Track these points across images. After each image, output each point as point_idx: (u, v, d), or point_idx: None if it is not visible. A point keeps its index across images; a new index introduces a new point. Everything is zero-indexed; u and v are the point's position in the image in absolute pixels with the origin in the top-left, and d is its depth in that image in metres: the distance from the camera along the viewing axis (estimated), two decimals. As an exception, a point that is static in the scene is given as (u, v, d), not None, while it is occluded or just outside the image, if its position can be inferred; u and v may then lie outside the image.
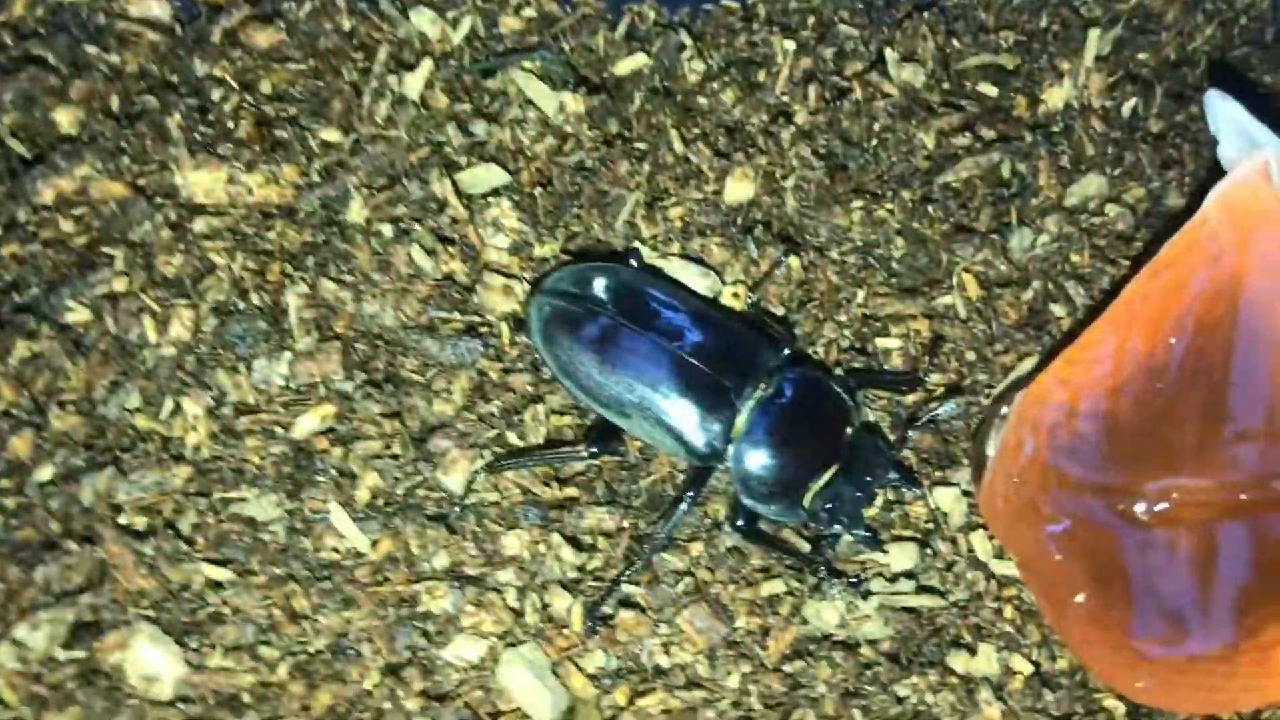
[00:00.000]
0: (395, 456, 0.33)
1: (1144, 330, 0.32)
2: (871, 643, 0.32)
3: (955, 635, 0.32)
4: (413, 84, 0.36)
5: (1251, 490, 0.31)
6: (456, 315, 0.34)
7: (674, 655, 0.31)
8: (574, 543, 0.33)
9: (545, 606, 0.32)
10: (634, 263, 0.34)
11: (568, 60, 0.37)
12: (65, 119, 0.33)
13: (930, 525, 0.34)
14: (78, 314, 0.32)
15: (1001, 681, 0.32)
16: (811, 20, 0.36)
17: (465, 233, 0.34)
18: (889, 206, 0.36)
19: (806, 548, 0.33)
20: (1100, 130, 0.37)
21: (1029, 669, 0.32)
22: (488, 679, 0.31)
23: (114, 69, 0.34)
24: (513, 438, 0.33)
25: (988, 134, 0.37)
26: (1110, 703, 0.32)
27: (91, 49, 0.34)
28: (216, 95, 0.34)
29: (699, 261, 0.35)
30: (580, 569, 0.32)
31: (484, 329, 0.34)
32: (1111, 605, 0.32)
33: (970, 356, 0.35)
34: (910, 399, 0.35)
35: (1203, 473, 0.31)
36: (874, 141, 0.36)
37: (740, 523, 0.33)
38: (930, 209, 0.36)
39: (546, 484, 0.33)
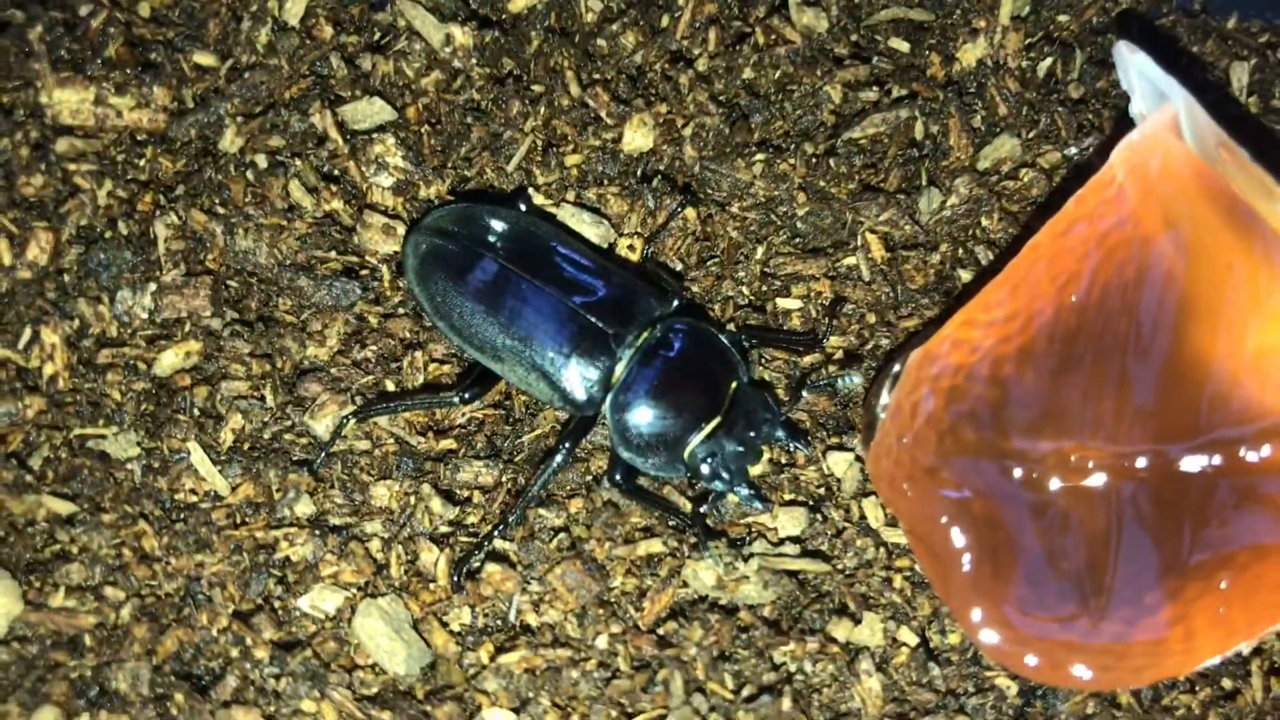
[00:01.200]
0: (262, 399, 0.31)
1: (1047, 292, 0.31)
2: (750, 607, 0.30)
3: (840, 603, 0.30)
4: (294, 10, 0.34)
5: (1150, 458, 0.30)
6: (334, 255, 0.33)
7: (543, 613, 0.30)
8: (447, 496, 0.31)
9: (412, 560, 0.30)
10: (523, 206, 0.33)
11: None
12: None
13: (822, 490, 0.32)
14: None
15: (886, 653, 0.30)
16: None
17: (347, 169, 0.33)
18: (792, 161, 0.35)
19: (689, 507, 0.32)
20: (1015, 91, 0.36)
21: (915, 641, 0.30)
22: (344, 631, 0.29)
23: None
24: (390, 385, 0.32)
25: (898, 90, 0.36)
26: (1002, 681, 0.30)
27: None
28: (85, 10, 0.32)
29: (594, 210, 0.34)
30: (452, 523, 0.31)
31: (364, 271, 0.32)
32: (1001, 577, 0.31)
33: (872, 320, 0.34)
34: (807, 360, 0.34)
35: (1102, 439, 0.30)
36: (778, 93, 0.35)
37: (618, 477, 0.31)
38: (835, 165, 0.35)
39: (423, 434, 0.32)
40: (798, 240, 0.34)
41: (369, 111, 0.33)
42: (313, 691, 0.28)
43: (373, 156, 0.33)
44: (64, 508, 0.30)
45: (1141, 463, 0.29)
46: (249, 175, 0.33)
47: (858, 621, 0.30)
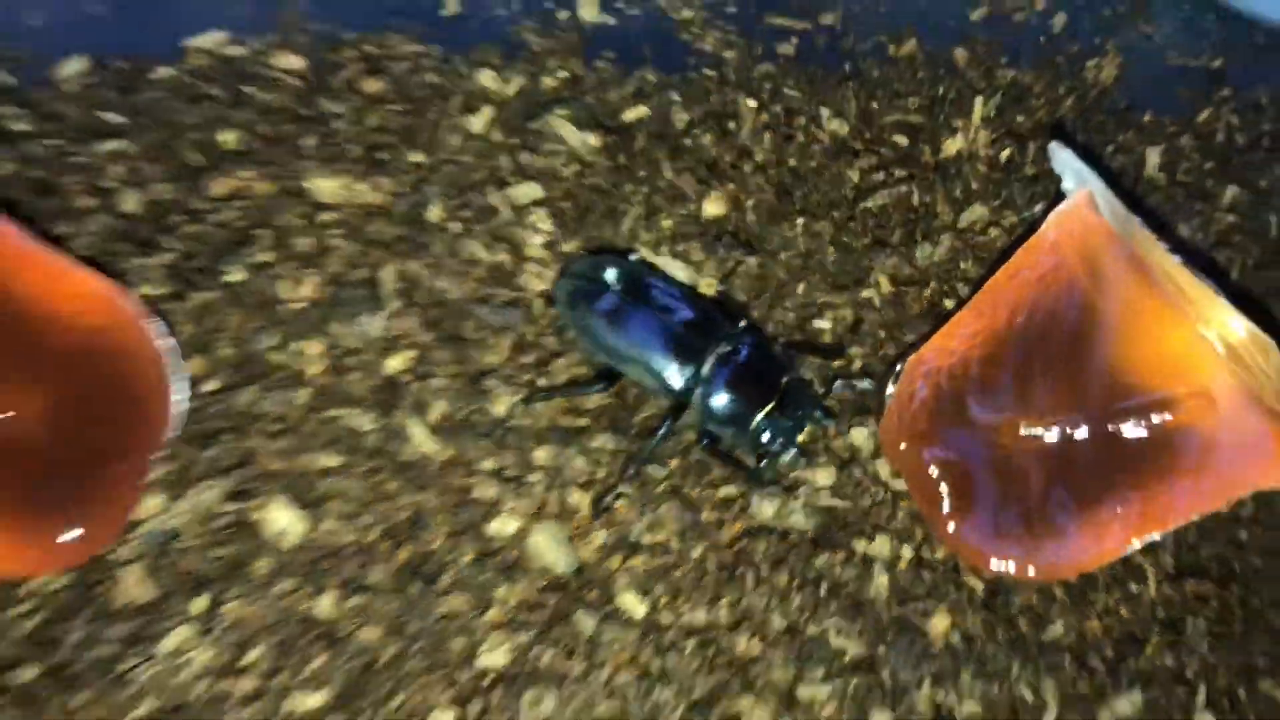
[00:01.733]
0: (457, 391, 0.44)
1: (1002, 315, 0.43)
2: (798, 531, 0.42)
3: (860, 529, 0.42)
4: (478, 124, 0.47)
5: (1071, 425, 0.42)
6: (504, 291, 0.45)
7: (654, 535, 0.42)
8: (586, 455, 0.43)
9: (564, 500, 0.42)
10: (633, 258, 0.45)
11: (590, 109, 0.48)
12: (230, 138, 0.45)
13: (846, 454, 0.44)
14: (235, 276, 0.43)
15: (891, 562, 0.42)
16: (768, 86, 0.48)
17: (512, 232, 0.45)
18: (823, 223, 0.47)
19: (754, 464, 0.44)
20: (984, 172, 0.48)
21: (911, 555, 0.42)
22: (522, 545, 0.41)
23: (264, 104, 0.46)
24: (543, 381, 0.44)
25: (899, 172, 0.48)
26: (973, 582, 0.42)
27: (248, 89, 0.46)
28: (337, 125, 0.45)
29: (683, 259, 0.46)
30: (590, 475, 0.43)
31: (523, 302, 0.45)
32: (971, 510, 0.42)
33: (882, 335, 0.46)
34: (836, 364, 0.46)
35: (1037, 414, 0.42)
36: (813, 175, 0.48)
37: (704, 444, 0.43)
38: (855, 226, 0.47)
39: (567, 415, 0.44)
40: (829, 279, 0.46)
41: (527, 192, 0.46)
42: (505, 582, 0.40)
43: (529, 223, 0.46)
44: (332, 461, 0.42)
45: (1066, 430, 0.41)
46: (446, 237, 0.45)
47: (872, 541, 0.42)
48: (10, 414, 0.35)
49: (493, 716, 0.37)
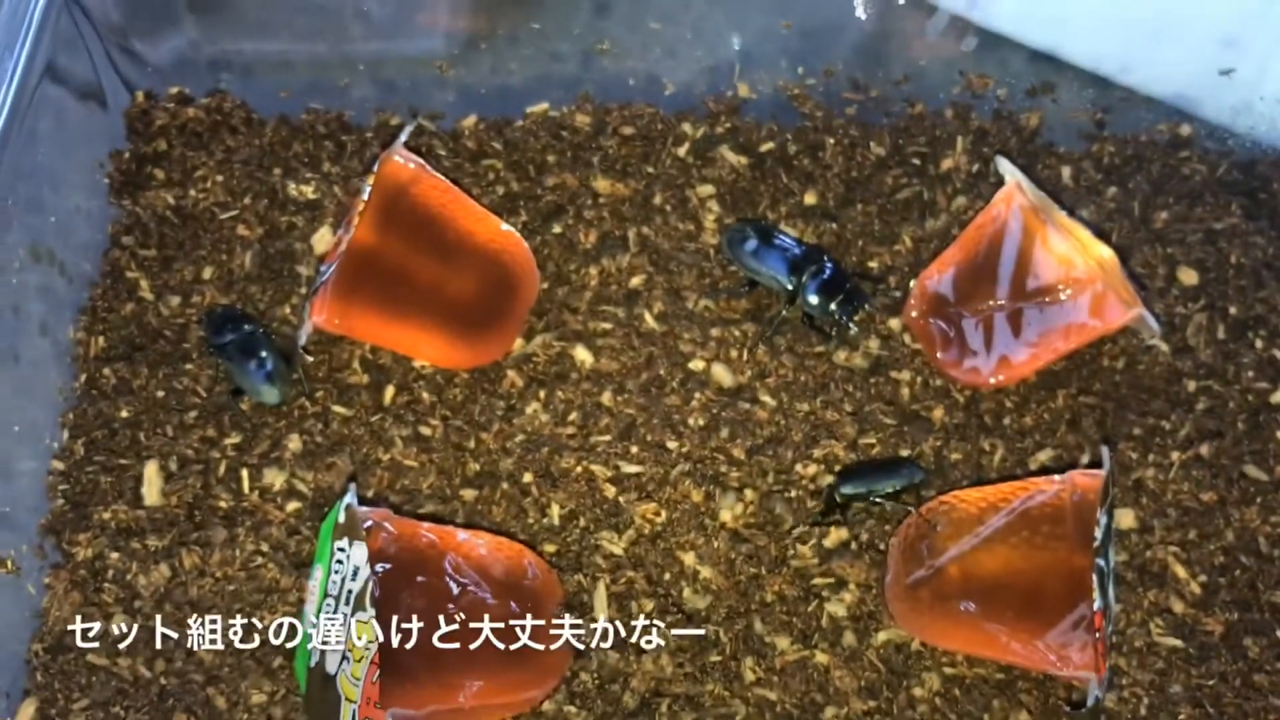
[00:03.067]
0: (668, 296, 0.75)
1: (968, 248, 0.74)
2: (859, 368, 0.71)
3: (892, 368, 0.72)
4: (681, 152, 0.79)
5: (1010, 303, 0.72)
6: (692, 244, 0.77)
7: (778, 371, 0.72)
8: (740, 330, 0.74)
9: (728, 353, 0.72)
10: (764, 223, 0.77)
11: (741, 144, 0.81)
12: (552, 159, 0.78)
13: (885, 331, 0.74)
14: (556, 229, 0.76)
15: (911, 383, 0.72)
16: (840, 130, 0.80)
17: (698, 212, 0.76)
18: (872, 207, 0.77)
19: (832, 332, 0.74)
20: (965, 177, 0.78)
21: (923, 379, 0.71)
22: (708, 373, 0.71)
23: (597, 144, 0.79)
24: (716, 290, 0.76)
25: (915, 180, 0.78)
26: (956, 392, 0.72)
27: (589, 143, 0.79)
28: (609, 146, 0.79)
29: (791, 225, 0.78)
30: (741, 341, 0.72)
31: (704, 249, 0.76)
32: (955, 351, 0.72)
33: (905, 269, 0.76)
34: (879, 285, 0.75)
35: (990, 299, 0.73)
36: (865, 180, 0.78)
37: (805, 321, 0.74)
38: (890, 209, 0.78)
39: (727, 310, 0.74)
40: (874, 238, 0.76)
41: (707, 190, 0.77)
42: (699, 390, 0.71)
43: (708, 207, 0.76)
44: (605, 325, 0.74)
45: (1003, 305, 0.71)
46: (664, 213, 0.78)
47: (900, 373, 0.72)
48: (463, 284, 0.68)
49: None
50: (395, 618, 0.54)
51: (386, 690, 0.52)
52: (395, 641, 0.53)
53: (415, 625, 0.54)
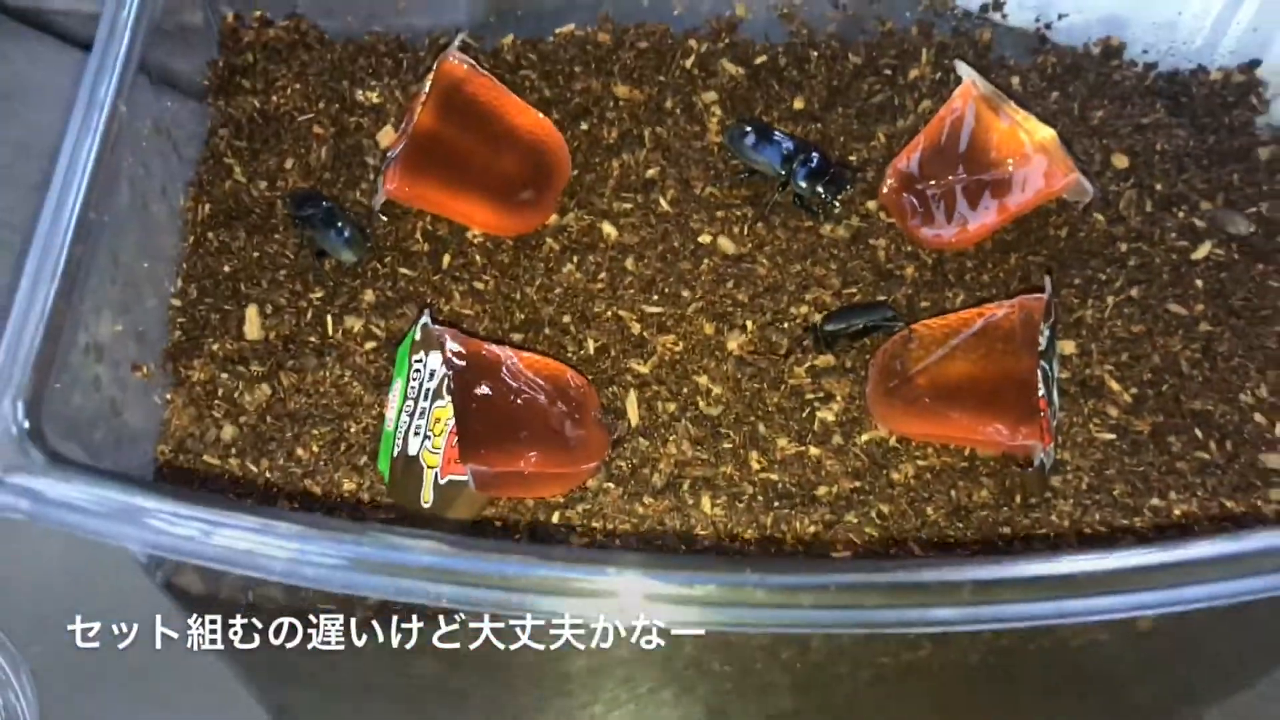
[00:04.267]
0: (682, 183, 0.87)
1: (931, 134, 0.85)
2: (842, 238, 0.83)
3: (872, 234, 0.84)
4: (687, 64, 0.92)
5: (967, 177, 0.84)
6: (701, 141, 0.89)
7: (775, 239, 0.83)
8: (741, 210, 0.86)
9: (731, 228, 0.84)
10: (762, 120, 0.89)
11: (739, 58, 0.93)
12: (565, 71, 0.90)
13: (864, 210, 0.86)
14: (583, 126, 0.87)
15: (886, 248, 0.83)
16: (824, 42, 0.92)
17: (704, 115, 0.89)
18: (850, 110, 0.90)
19: (819, 209, 0.86)
20: (930, 83, 0.91)
21: (891, 243, 0.83)
22: (715, 244, 0.83)
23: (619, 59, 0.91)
24: (721, 177, 0.87)
25: (886, 88, 0.92)
26: (924, 255, 0.83)
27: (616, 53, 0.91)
28: (629, 58, 0.91)
29: (781, 124, 0.90)
30: (742, 220, 0.85)
31: (711, 143, 0.87)
32: (921, 217, 0.84)
33: (880, 159, 0.88)
34: (859, 173, 0.87)
35: (950, 174, 0.84)
36: (846, 86, 0.92)
37: (795, 200, 0.85)
38: (869, 111, 0.91)
39: (731, 195, 0.86)
40: (854, 135, 0.89)
41: (711, 96, 0.89)
42: (707, 257, 0.83)
43: (712, 110, 0.89)
44: (628, 206, 0.85)
45: (962, 178, 0.83)
46: (675, 115, 0.89)
47: (877, 239, 0.84)
48: (508, 164, 0.79)
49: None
50: (468, 401, 0.65)
51: (463, 453, 0.63)
52: (468, 418, 0.64)
53: (483, 396, 0.65)
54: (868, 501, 0.69)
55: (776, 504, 0.68)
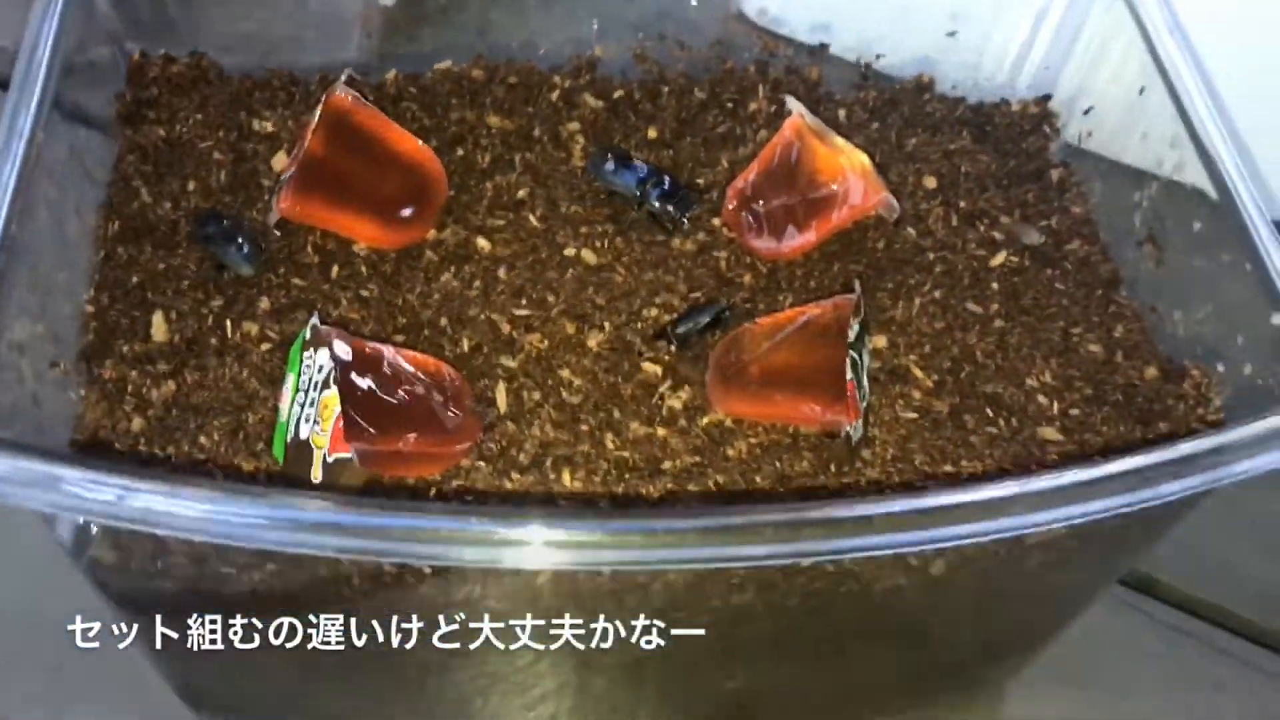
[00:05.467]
0: (548, 201, 0.97)
1: (765, 159, 0.96)
2: (687, 251, 0.94)
3: (712, 251, 0.94)
4: (553, 97, 1.02)
5: (790, 197, 0.95)
6: (566, 166, 0.99)
7: (632, 251, 0.93)
8: (604, 226, 0.95)
9: (597, 242, 0.94)
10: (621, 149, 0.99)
11: (599, 92, 1.03)
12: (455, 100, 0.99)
13: (709, 226, 0.97)
14: (459, 155, 0.97)
15: (726, 259, 0.93)
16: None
17: (568, 143, 0.99)
18: (697, 139, 1.01)
19: (669, 224, 0.96)
20: (765, 117, 1.03)
21: (730, 254, 0.94)
22: (580, 255, 0.93)
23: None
24: (585, 196, 0.97)
25: (724, 116, 1.03)
26: (759, 264, 0.94)
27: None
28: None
29: (637, 152, 1.00)
30: (604, 234, 0.95)
31: (575, 169, 0.98)
32: (755, 232, 0.95)
33: (723, 181, 0.99)
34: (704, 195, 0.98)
35: (778, 196, 0.95)
36: (697, 119, 1.02)
37: (648, 218, 0.95)
38: (714, 141, 1.02)
39: (594, 213, 0.96)
40: (702, 161, 1.00)
41: (574, 127, 1.00)
42: (571, 268, 0.92)
43: (576, 140, 1.00)
44: (500, 222, 0.95)
45: (789, 200, 0.94)
46: (544, 142, 0.99)
47: (720, 252, 0.94)
48: (391, 185, 0.88)
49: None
50: (353, 389, 0.73)
51: (348, 433, 0.71)
52: (352, 403, 0.73)
53: (367, 387, 0.73)
54: (706, 473, 0.79)
55: (627, 476, 0.78)
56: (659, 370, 0.84)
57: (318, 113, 0.86)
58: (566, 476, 0.78)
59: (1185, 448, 0.68)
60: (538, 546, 0.60)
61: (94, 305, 0.82)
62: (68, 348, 0.78)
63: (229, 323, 0.83)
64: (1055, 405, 0.85)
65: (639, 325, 0.86)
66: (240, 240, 0.85)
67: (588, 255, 0.90)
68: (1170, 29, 0.90)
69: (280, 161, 0.91)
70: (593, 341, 0.85)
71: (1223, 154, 0.83)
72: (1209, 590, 1.04)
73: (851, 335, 0.80)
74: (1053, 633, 0.94)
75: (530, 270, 0.89)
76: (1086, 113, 0.99)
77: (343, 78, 0.89)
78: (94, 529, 0.69)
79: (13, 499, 0.60)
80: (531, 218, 0.91)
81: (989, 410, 0.84)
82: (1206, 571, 1.04)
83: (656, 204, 0.91)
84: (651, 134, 0.98)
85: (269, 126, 0.93)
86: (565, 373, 0.83)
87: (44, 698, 0.87)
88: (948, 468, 0.81)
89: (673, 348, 0.85)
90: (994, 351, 0.88)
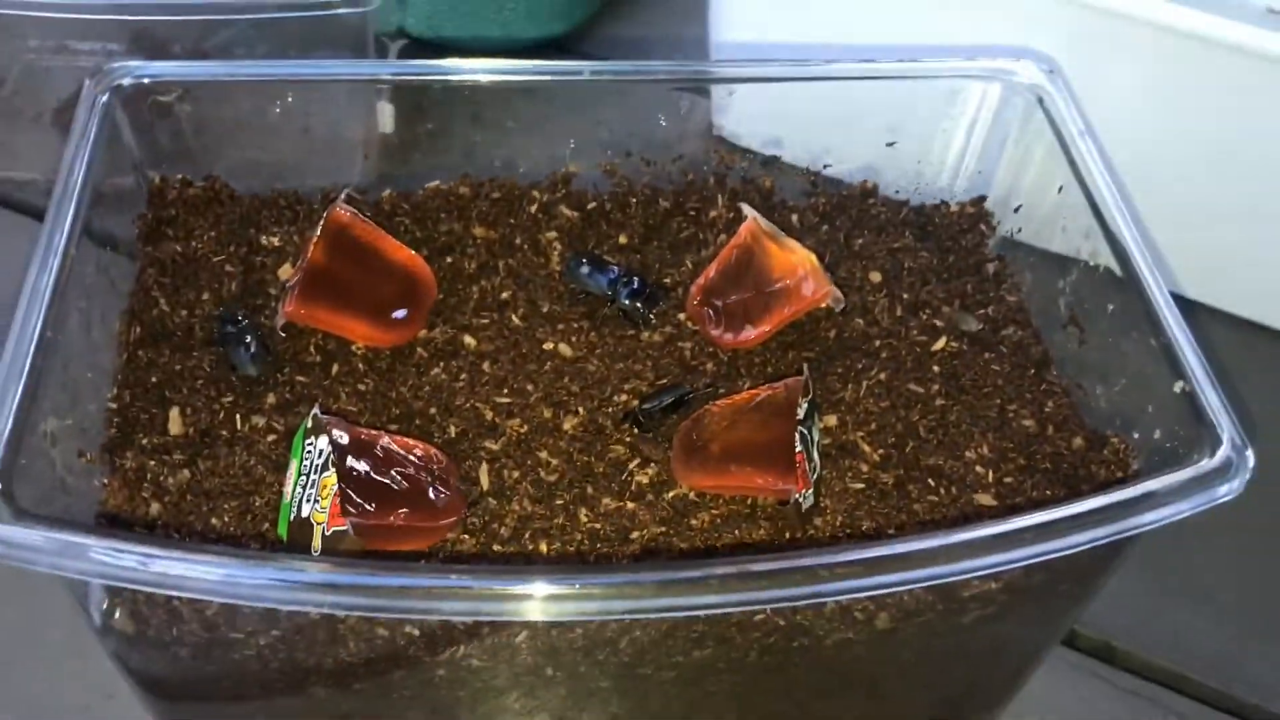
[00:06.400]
0: (530, 305, 1.06)
1: (724, 259, 1.05)
2: (656, 343, 1.02)
3: (677, 343, 1.03)
4: (532, 208, 1.12)
5: (741, 296, 1.04)
6: (545, 272, 1.08)
7: (605, 344, 1.01)
8: (580, 324, 1.04)
9: (574, 337, 1.03)
10: (596, 253, 1.08)
11: (574, 203, 1.13)
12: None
13: (675, 321, 1.05)
14: (450, 261, 1.06)
15: (693, 351, 1.02)
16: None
17: (549, 250, 1.08)
18: (664, 245, 1.11)
19: (639, 320, 1.04)
20: (722, 223, 1.12)
21: (696, 346, 1.02)
22: (556, 351, 1.02)
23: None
24: (562, 297, 1.06)
25: (690, 223, 1.12)
26: (721, 354, 1.02)
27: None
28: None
29: (611, 257, 1.09)
30: (581, 328, 1.04)
31: (553, 272, 1.07)
32: (715, 324, 1.04)
33: (686, 280, 1.08)
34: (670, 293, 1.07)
35: (735, 293, 1.04)
36: (680, 231, 1.12)
37: (620, 314, 1.04)
38: (681, 246, 1.11)
39: (571, 310, 1.05)
40: (669, 264, 1.09)
41: (553, 236, 1.10)
42: (549, 362, 1.01)
43: (554, 246, 1.09)
44: (485, 326, 1.03)
45: (745, 297, 1.03)
46: (524, 252, 1.08)
47: (684, 343, 1.02)
48: (385, 290, 0.97)
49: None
50: (349, 470, 0.81)
51: (344, 508, 0.79)
52: (349, 481, 0.80)
53: (362, 469, 0.81)
54: (671, 542, 0.86)
55: (599, 545, 0.85)
56: (628, 450, 0.92)
57: (319, 227, 0.96)
58: (544, 547, 0.85)
59: (1095, 501, 0.76)
60: (527, 601, 0.68)
61: (117, 402, 0.90)
62: (93, 440, 0.86)
63: (238, 417, 0.91)
64: (991, 474, 0.92)
65: (610, 409, 0.94)
66: (249, 342, 0.94)
67: (564, 349, 0.98)
68: (1082, 134, 1.00)
69: (286, 272, 1.01)
70: (568, 425, 0.93)
71: (1128, 239, 0.92)
72: (1165, 656, 1.10)
73: (801, 413, 0.88)
74: (1009, 692, 1.00)
75: (512, 363, 0.97)
76: (1017, 210, 1.09)
77: (342, 196, 0.99)
78: (118, 608, 0.76)
79: (46, 566, 0.68)
80: (514, 317, 1.00)
81: (930, 480, 0.92)
82: (1161, 638, 1.10)
83: (627, 301, 1.00)
84: (622, 240, 1.07)
85: (276, 241, 1.02)
86: (543, 454, 0.91)
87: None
88: (891, 532, 0.88)
89: (636, 429, 0.93)
90: (936, 428, 0.95)
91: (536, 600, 0.68)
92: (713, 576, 0.70)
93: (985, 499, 0.90)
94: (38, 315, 0.80)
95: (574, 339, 0.99)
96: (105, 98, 0.97)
